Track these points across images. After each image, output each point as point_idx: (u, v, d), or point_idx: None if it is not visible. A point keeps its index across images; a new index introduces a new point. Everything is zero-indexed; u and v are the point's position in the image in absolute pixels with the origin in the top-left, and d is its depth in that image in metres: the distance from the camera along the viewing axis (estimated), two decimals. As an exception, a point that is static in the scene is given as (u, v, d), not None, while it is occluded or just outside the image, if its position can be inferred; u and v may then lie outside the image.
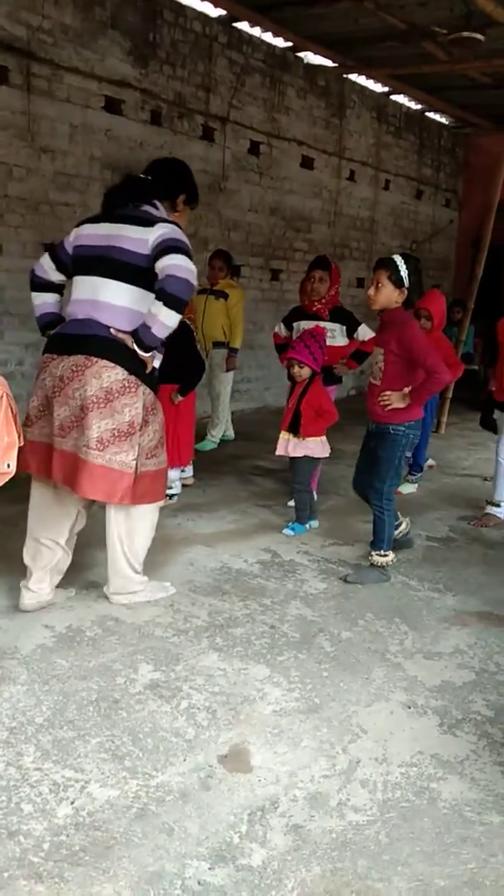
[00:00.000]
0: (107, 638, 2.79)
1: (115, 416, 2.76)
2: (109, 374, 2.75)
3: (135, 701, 2.38)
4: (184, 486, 4.71)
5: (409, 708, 2.42)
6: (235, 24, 6.94)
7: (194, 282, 2.74)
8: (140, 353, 2.77)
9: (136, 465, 2.82)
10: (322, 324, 4.55)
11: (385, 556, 3.50)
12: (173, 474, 4.44)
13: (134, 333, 2.75)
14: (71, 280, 2.97)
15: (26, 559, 2.97)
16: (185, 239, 2.78)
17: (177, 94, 6.62)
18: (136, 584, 3.07)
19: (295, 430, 3.97)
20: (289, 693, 2.48)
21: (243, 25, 7.01)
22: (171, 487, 4.44)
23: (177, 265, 2.68)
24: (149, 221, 2.80)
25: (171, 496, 4.45)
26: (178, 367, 4.30)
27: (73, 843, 1.78)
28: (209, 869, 1.72)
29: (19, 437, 2.16)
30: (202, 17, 6.68)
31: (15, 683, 2.44)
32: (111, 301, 2.77)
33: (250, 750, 2.16)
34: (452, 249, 10.85)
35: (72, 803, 1.91)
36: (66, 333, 2.85)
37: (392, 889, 1.68)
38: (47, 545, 2.96)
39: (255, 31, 7.18)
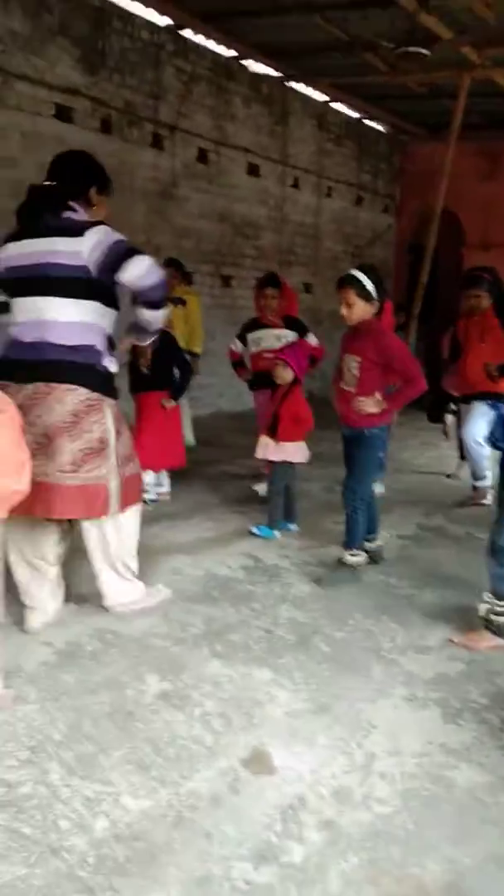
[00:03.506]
0: (108, 651, 2.81)
1: (85, 436, 2.77)
2: (73, 398, 2.75)
3: (149, 712, 2.42)
4: (159, 499, 4.74)
5: (412, 701, 2.55)
6: (182, 33, 6.99)
7: (161, 274, 2.84)
8: (139, 343, 3.09)
9: (113, 476, 2.84)
10: (277, 331, 4.76)
11: (356, 555, 3.62)
12: (149, 478, 4.52)
13: (132, 330, 2.93)
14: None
15: (22, 580, 2.95)
16: (119, 235, 2.76)
17: (126, 102, 6.63)
18: (133, 591, 3.09)
19: (273, 434, 4.08)
20: (296, 694, 2.56)
21: (189, 33, 7.07)
22: (146, 492, 4.50)
23: (141, 274, 2.72)
24: (76, 230, 2.72)
25: (147, 501, 4.49)
26: (165, 374, 4.40)
27: (116, 854, 1.81)
28: (254, 869, 1.78)
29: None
30: (149, 25, 6.71)
31: (26, 702, 2.44)
32: (59, 319, 2.74)
33: (270, 752, 2.24)
34: (391, 254, 11.17)
35: (107, 816, 1.94)
36: (18, 359, 2.79)
37: (427, 873, 1.79)
38: (37, 565, 2.96)
39: (201, 40, 7.25)
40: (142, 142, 6.82)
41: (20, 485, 2.14)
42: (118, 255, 2.70)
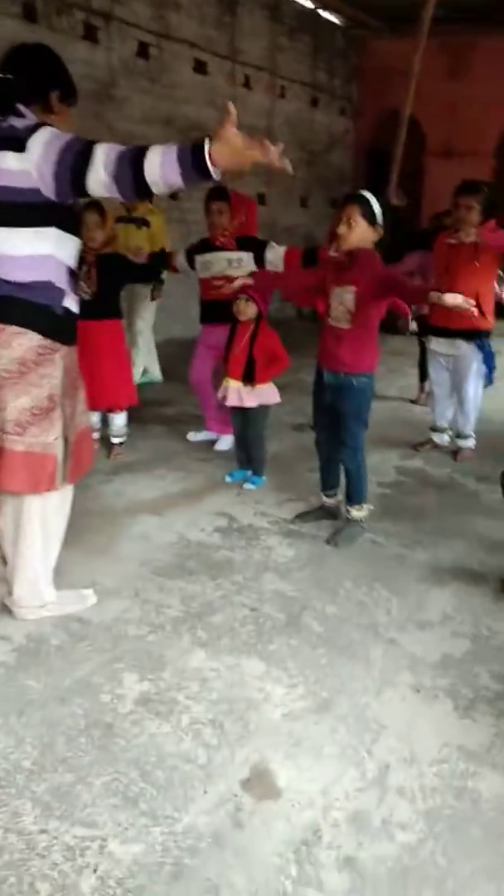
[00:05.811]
0: (76, 645, 2.49)
1: (33, 392, 2.34)
2: (21, 342, 2.30)
3: (129, 723, 2.14)
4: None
5: (419, 691, 2.32)
6: None
7: (122, 156, 2.10)
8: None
9: (61, 442, 2.43)
10: (229, 254, 4.27)
11: (362, 509, 3.38)
12: (120, 420, 4.25)
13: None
14: None
15: None
16: (67, 137, 2.15)
17: (54, -16, 5.75)
18: (48, 594, 2.62)
19: (248, 378, 3.70)
20: (292, 690, 2.31)
21: None
22: (121, 436, 4.30)
23: (104, 181, 2.10)
24: (18, 142, 2.15)
25: (121, 443, 4.31)
26: (110, 300, 4.08)
27: (110, 925, 1.55)
28: (271, 931, 1.55)
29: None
30: None
31: (-15, 719, 2.12)
32: (7, 252, 2.25)
33: (272, 768, 1.99)
34: (349, 160, 10.50)
35: (94, 871, 1.67)
36: None
37: (467, 921, 1.59)
38: None
39: None
40: (72, 32, 5.97)
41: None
42: (73, 170, 2.11)
